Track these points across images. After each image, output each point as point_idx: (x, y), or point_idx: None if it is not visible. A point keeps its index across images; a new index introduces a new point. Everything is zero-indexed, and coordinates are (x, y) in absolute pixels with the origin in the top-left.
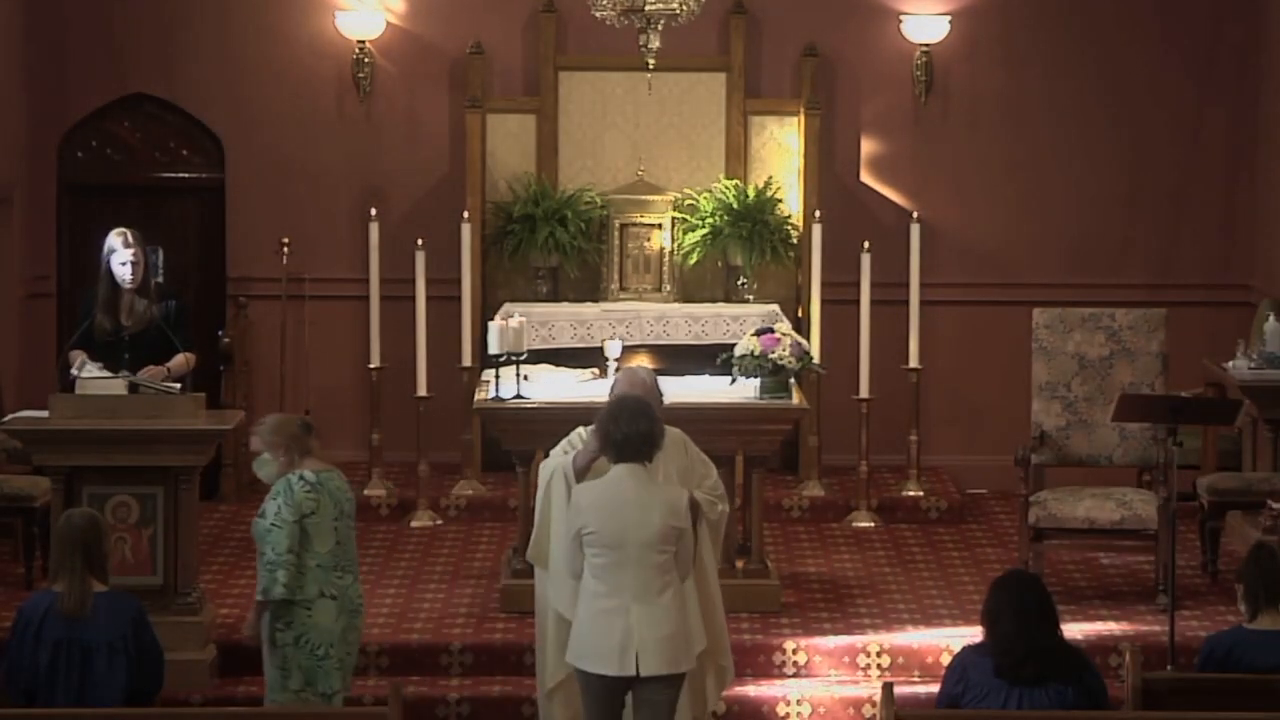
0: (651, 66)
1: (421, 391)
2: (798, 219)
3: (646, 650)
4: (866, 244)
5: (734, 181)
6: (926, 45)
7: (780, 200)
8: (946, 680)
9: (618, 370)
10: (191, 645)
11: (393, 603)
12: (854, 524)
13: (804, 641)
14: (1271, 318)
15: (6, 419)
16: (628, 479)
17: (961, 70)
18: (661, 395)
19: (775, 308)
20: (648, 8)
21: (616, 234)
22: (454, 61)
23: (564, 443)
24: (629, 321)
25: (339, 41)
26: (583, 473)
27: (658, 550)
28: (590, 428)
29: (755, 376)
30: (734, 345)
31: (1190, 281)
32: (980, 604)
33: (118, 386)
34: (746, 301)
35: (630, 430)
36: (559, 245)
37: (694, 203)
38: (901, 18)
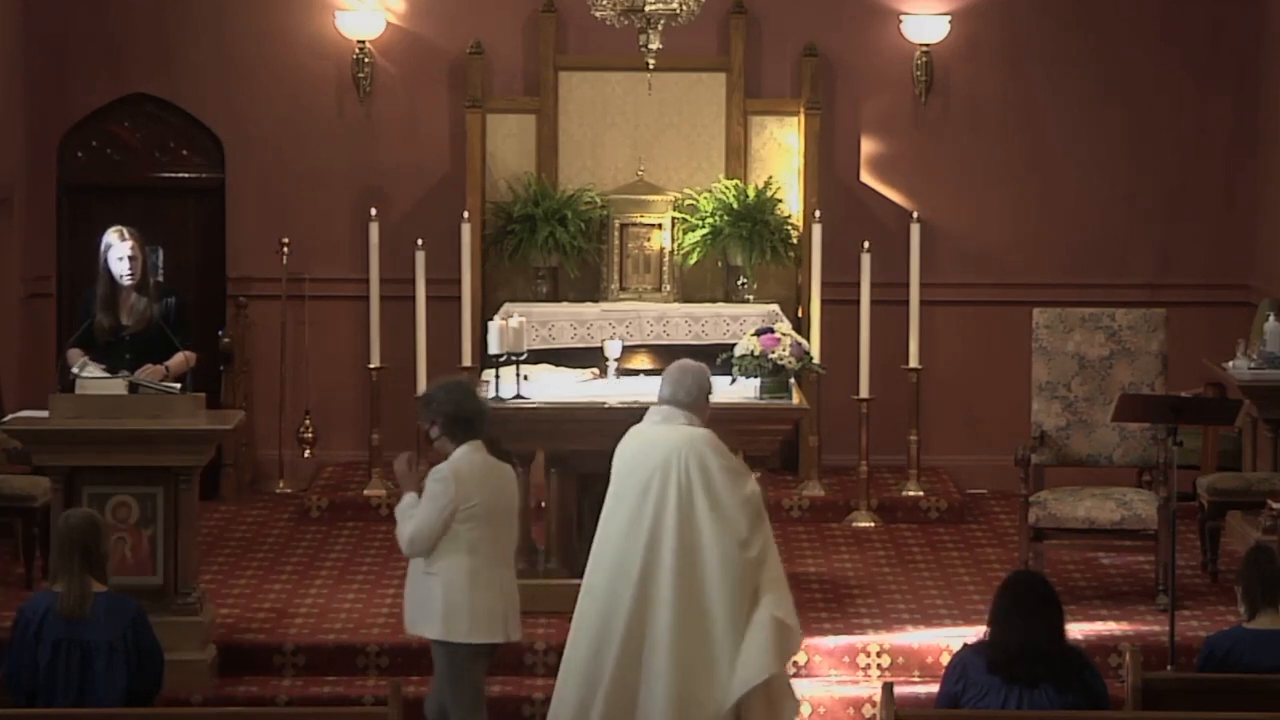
0: (651, 66)
1: (421, 391)
2: (798, 219)
3: (513, 615)
4: (866, 244)
5: (734, 181)
6: (926, 45)
7: (780, 200)
8: (946, 679)
9: (617, 370)
10: (191, 645)
11: (393, 603)
12: (854, 524)
13: (804, 641)
14: (1271, 318)
15: (6, 419)
16: (479, 453)
17: (962, 70)
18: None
19: (775, 308)
20: (648, 8)
21: (616, 234)
22: (454, 61)
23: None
24: (629, 321)
25: (339, 41)
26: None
27: (515, 520)
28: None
29: (755, 376)
30: (734, 345)
31: (1190, 281)
32: (980, 604)
33: (118, 386)
34: (746, 301)
35: (482, 405)
36: (559, 245)
37: (694, 203)
38: (901, 18)
